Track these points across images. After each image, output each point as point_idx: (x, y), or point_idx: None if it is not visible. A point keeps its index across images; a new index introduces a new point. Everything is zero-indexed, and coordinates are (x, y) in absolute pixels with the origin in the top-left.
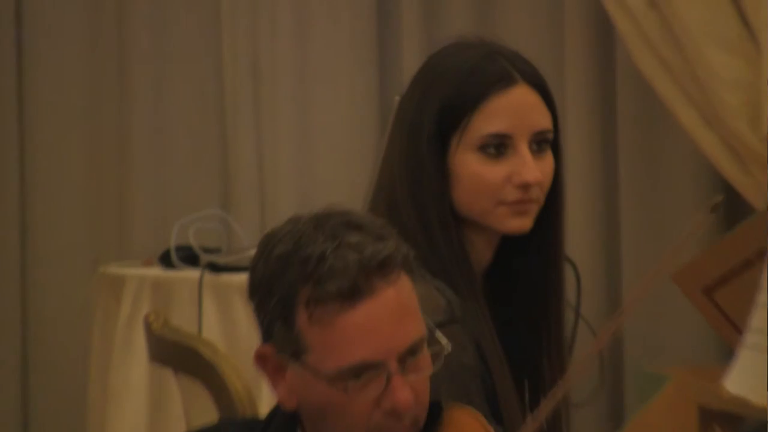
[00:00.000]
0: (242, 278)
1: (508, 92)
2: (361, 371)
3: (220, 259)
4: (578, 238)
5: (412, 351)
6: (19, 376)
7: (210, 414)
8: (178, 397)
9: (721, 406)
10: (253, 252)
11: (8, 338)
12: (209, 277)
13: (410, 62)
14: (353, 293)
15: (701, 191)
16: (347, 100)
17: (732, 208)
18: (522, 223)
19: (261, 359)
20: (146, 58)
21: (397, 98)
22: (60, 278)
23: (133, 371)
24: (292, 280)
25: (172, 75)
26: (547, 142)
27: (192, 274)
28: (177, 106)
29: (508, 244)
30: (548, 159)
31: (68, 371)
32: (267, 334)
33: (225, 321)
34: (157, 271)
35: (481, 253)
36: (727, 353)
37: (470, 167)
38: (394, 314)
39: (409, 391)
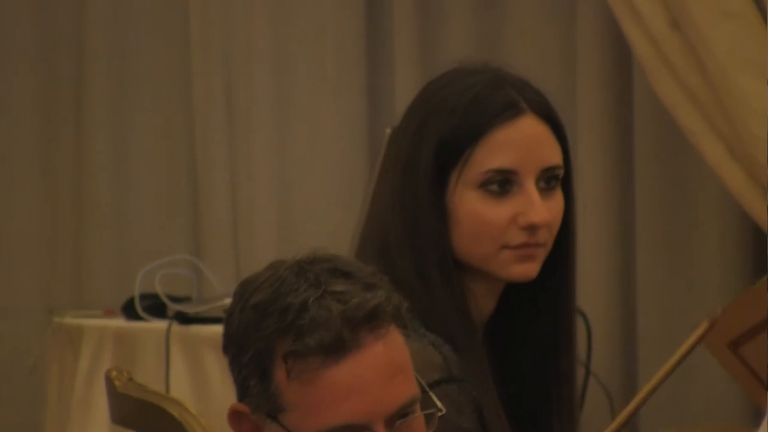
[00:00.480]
0: (214, 330)
1: (515, 123)
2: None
3: (190, 309)
4: (590, 286)
5: (402, 413)
6: None
7: None
8: None
9: None
10: (227, 301)
11: None
12: (177, 328)
13: (403, 90)
14: (337, 348)
15: (727, 235)
16: (332, 133)
17: (761, 252)
18: (527, 270)
19: (235, 419)
20: (106, 87)
21: (389, 130)
22: (11, 329)
23: None
24: (270, 332)
25: (135, 105)
26: (557, 180)
27: (158, 325)
28: (141, 140)
29: (513, 292)
30: (558, 198)
31: None
32: (242, 391)
33: (195, 377)
34: (119, 322)
35: (483, 303)
36: (754, 413)
37: (471, 206)
38: (383, 372)
39: None
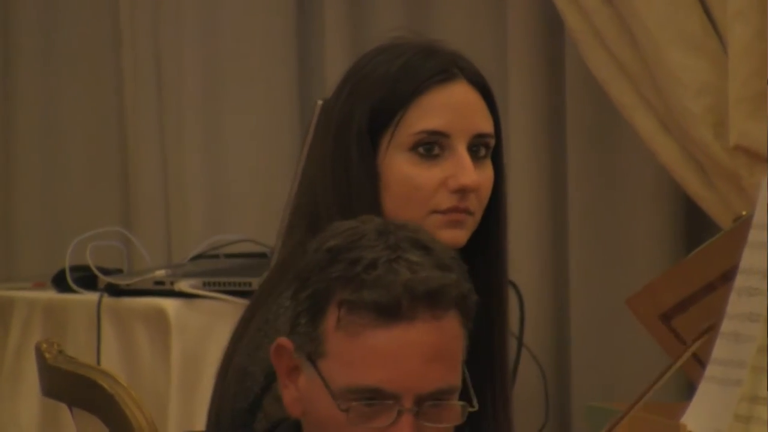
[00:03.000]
0: (145, 302)
1: (448, 87)
2: (372, 397)
3: (121, 281)
4: (522, 258)
5: (436, 397)
6: None
7: None
8: None
9: None
10: (158, 273)
11: None
12: (108, 300)
13: (333, 62)
14: (391, 311)
15: (660, 207)
16: (262, 104)
17: (694, 225)
18: (455, 236)
19: (277, 352)
20: (34, 58)
21: (320, 102)
22: None
23: (23, 406)
24: (334, 277)
25: (63, 76)
26: (487, 150)
27: (89, 297)
28: (70, 109)
29: None
30: (487, 168)
31: None
32: (292, 328)
33: (126, 349)
34: (49, 294)
35: None
36: (686, 387)
37: (401, 169)
38: (428, 351)
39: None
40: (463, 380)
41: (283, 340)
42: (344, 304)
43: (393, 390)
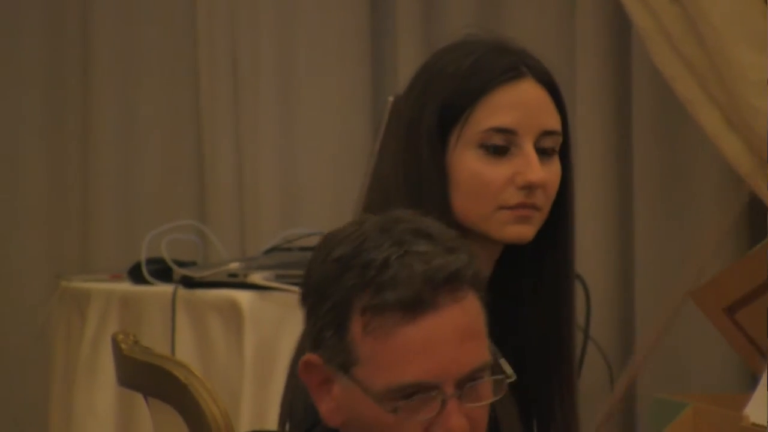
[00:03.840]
0: (219, 294)
1: (516, 85)
2: (414, 392)
3: (196, 274)
4: (588, 253)
5: (473, 377)
6: None
7: None
8: (148, 423)
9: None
10: (232, 266)
11: None
12: (183, 292)
13: (406, 60)
14: (415, 306)
15: (723, 202)
16: (336, 101)
17: (757, 221)
18: (523, 231)
19: (307, 369)
20: (113, 54)
21: (391, 98)
22: (19, 294)
23: (99, 395)
24: (350, 286)
25: (142, 73)
26: (555, 146)
27: (164, 289)
28: (148, 107)
29: (511, 260)
30: (555, 165)
31: (28, 395)
32: (317, 343)
33: (200, 340)
34: (126, 286)
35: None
36: (750, 379)
37: (470, 165)
38: (458, 334)
39: (465, 420)
40: (494, 356)
41: (311, 357)
42: (368, 309)
43: (433, 380)
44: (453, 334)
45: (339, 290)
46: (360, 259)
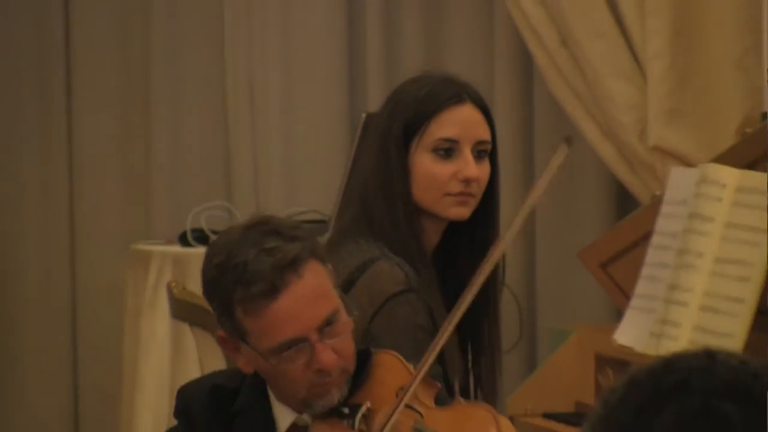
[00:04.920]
0: None
1: (459, 108)
2: (289, 346)
3: None
4: (504, 223)
5: (328, 322)
6: (70, 331)
7: (218, 358)
8: (193, 345)
9: (612, 353)
10: None
11: (60, 302)
12: None
13: (374, 88)
14: (272, 290)
15: (601, 189)
16: (324, 116)
17: (624, 202)
18: (461, 212)
19: (221, 341)
20: (166, 69)
21: (364, 115)
22: (99, 255)
23: (158, 326)
24: (227, 286)
25: (186, 95)
26: (486, 153)
27: (203, 250)
28: (191, 117)
29: (453, 231)
30: (485, 165)
31: (107, 328)
32: (220, 324)
33: None
34: (176, 248)
35: (431, 237)
36: (618, 314)
37: (425, 165)
38: (308, 298)
39: (331, 353)
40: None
41: (220, 332)
42: (242, 301)
43: (300, 335)
44: (304, 299)
45: (221, 290)
46: (230, 263)
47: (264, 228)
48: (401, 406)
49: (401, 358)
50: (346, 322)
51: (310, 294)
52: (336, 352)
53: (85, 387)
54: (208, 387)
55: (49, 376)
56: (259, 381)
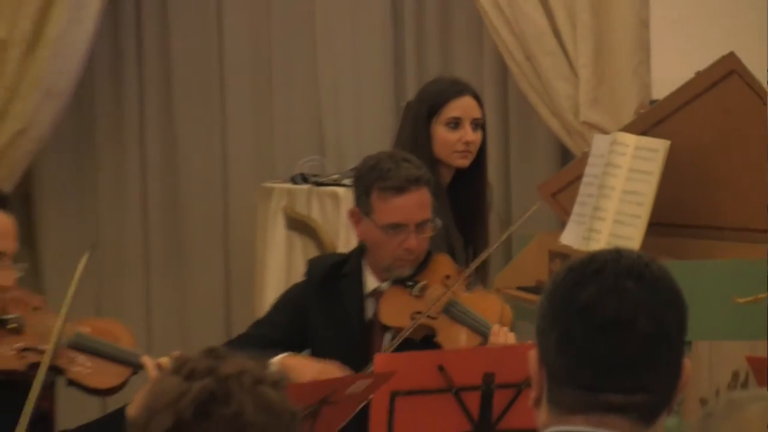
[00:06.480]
0: (331, 190)
1: (462, 98)
2: (396, 226)
3: (320, 180)
4: (491, 175)
5: (423, 223)
6: (223, 237)
7: (313, 254)
8: (300, 246)
9: (559, 249)
10: (334, 176)
11: (217, 222)
12: (315, 189)
13: (410, 86)
14: (401, 188)
15: (550, 151)
16: (381, 104)
17: (565, 156)
18: (464, 162)
19: (351, 214)
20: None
21: (403, 104)
22: (236, 192)
23: (278, 234)
24: (373, 177)
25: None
26: (479, 125)
27: (306, 187)
28: (299, 103)
29: (459, 176)
30: (479, 134)
31: (248, 235)
32: (356, 202)
33: (323, 210)
34: (288, 185)
35: (445, 177)
36: (562, 225)
37: (441, 134)
38: (418, 204)
39: (417, 242)
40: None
41: (353, 208)
42: (380, 188)
43: (405, 221)
44: (415, 203)
45: (368, 179)
46: (378, 167)
47: (400, 155)
48: (450, 291)
49: (449, 257)
50: (430, 229)
51: (420, 202)
52: (418, 243)
53: (233, 271)
54: (330, 261)
55: (210, 260)
56: (358, 256)
